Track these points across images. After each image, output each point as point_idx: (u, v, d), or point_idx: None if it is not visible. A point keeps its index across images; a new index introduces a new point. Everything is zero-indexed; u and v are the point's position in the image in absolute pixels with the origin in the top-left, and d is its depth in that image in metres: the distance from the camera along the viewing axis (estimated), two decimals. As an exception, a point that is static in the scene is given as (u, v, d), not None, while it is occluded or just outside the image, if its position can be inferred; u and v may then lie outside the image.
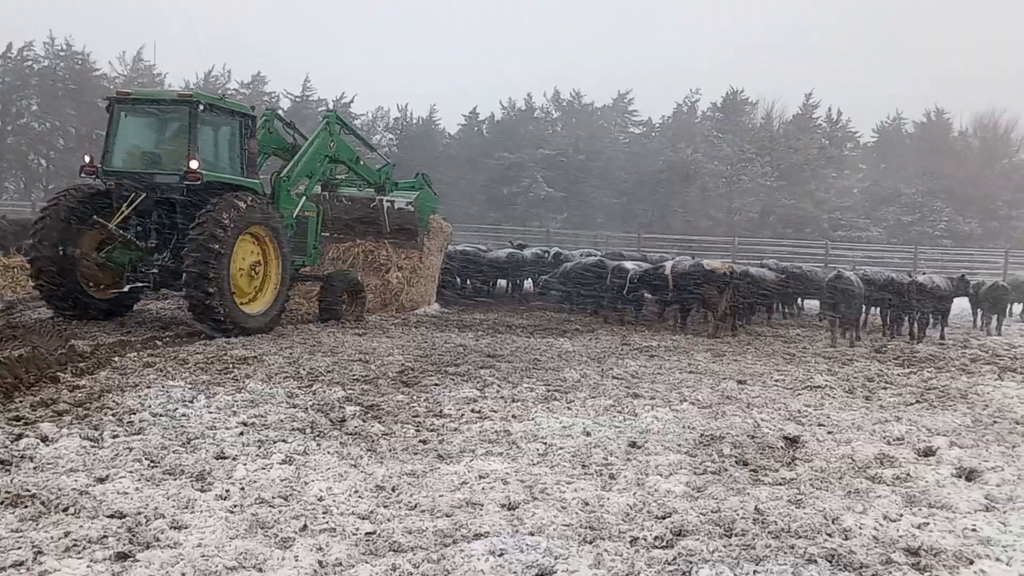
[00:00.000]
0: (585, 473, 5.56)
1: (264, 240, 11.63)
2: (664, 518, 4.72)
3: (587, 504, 4.89)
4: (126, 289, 11.69)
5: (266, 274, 11.75)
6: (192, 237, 10.63)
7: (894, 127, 54.04)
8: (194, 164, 10.90)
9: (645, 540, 4.37)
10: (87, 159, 11.56)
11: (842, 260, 32.30)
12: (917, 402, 8.57)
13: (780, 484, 5.49)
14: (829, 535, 4.51)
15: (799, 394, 8.75)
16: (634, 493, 5.15)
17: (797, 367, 10.59)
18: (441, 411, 7.16)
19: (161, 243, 11.45)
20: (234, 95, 48.47)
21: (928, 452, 6.46)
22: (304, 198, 13.42)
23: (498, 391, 8.09)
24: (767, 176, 46.69)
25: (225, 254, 10.71)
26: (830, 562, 4.14)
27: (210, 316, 10.72)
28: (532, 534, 4.38)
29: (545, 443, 6.23)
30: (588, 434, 6.55)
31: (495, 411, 7.23)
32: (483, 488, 5.09)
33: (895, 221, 46.42)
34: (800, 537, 4.46)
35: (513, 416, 7.06)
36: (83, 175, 11.70)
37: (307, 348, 10.11)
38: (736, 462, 5.99)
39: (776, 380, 9.52)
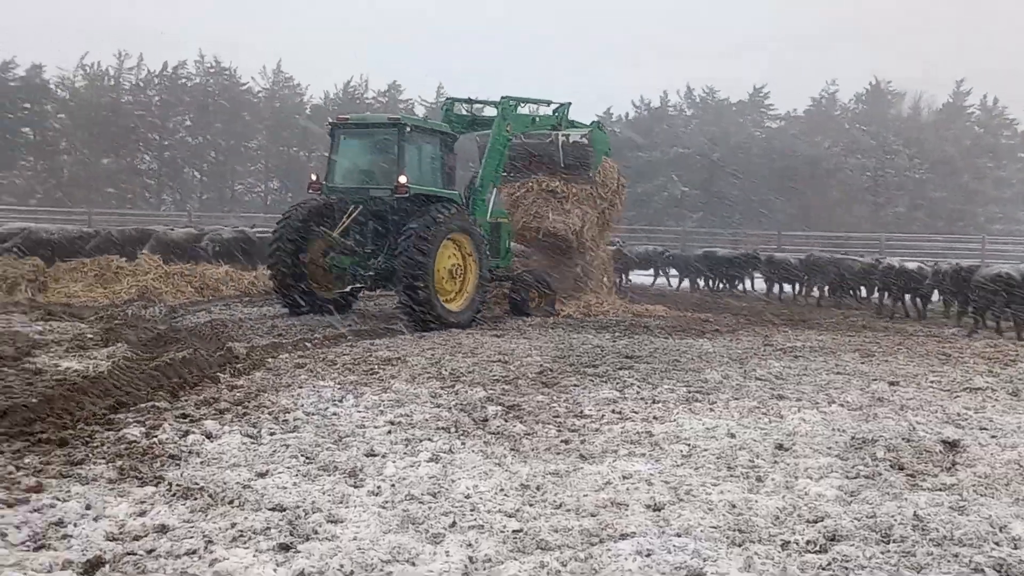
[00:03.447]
0: (731, 475, 5.45)
1: (463, 245, 12.89)
2: (816, 522, 4.57)
3: (734, 506, 4.80)
4: (348, 289, 13.76)
5: (465, 275, 13.01)
6: (402, 243, 12.07)
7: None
8: (403, 179, 12.37)
9: (797, 544, 4.25)
10: (313, 177, 13.52)
11: (1001, 256, 30.37)
12: (1091, 405, 7.99)
13: (940, 490, 5.22)
14: (996, 544, 4.27)
15: (957, 396, 8.29)
16: (783, 496, 5.01)
17: (954, 368, 10.04)
18: (581, 412, 7.17)
19: (376, 249, 13.16)
20: (372, 104, 50.08)
21: (1106, 458, 6.01)
22: (492, 202, 14.52)
23: (638, 392, 8.03)
24: (915, 169, 44.51)
25: (430, 258, 12.02)
26: (998, 572, 3.91)
27: (418, 312, 12.13)
28: (679, 535, 4.33)
29: (688, 444, 6.14)
30: (732, 436, 6.42)
31: (636, 412, 7.18)
32: (627, 488, 5.07)
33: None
34: (964, 545, 4.24)
35: (654, 417, 7.00)
36: (310, 191, 13.60)
37: (448, 349, 10.33)
38: (891, 466, 5.74)
39: (931, 381, 9.06)
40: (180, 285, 15.83)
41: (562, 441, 6.20)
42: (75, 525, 4.16)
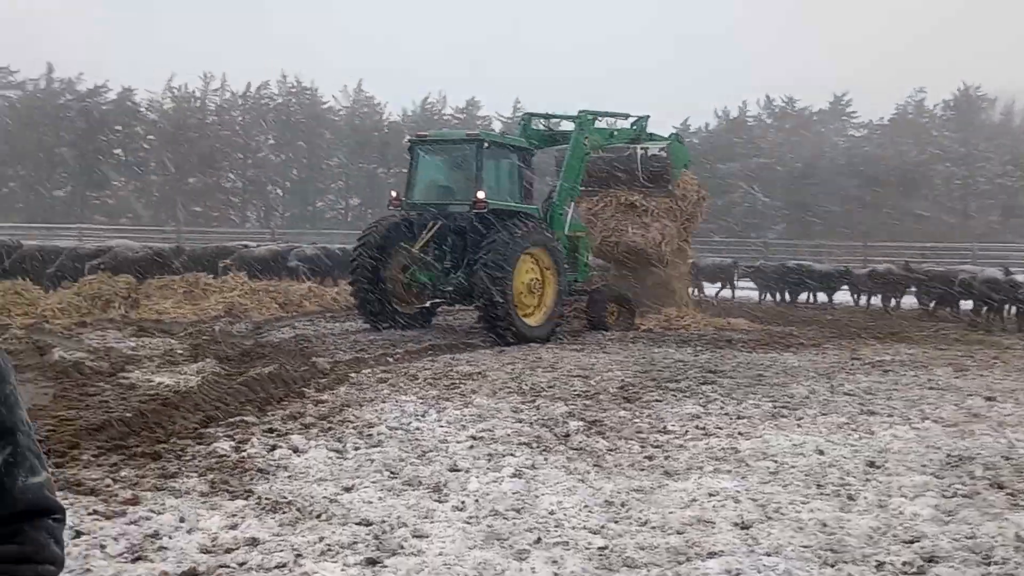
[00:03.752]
0: (821, 493, 5.31)
1: (541, 259, 12.88)
2: (912, 543, 4.41)
3: (826, 525, 4.67)
4: (427, 304, 13.82)
5: (544, 290, 12.97)
6: (481, 258, 12.09)
7: None
8: (481, 194, 12.44)
9: (892, 565, 4.11)
10: (393, 194, 13.68)
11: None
12: None
13: (1045, 510, 4.99)
14: (1110, 568, 4.05)
15: (1060, 412, 7.93)
16: (876, 515, 4.85)
17: (1055, 382, 9.62)
18: (664, 427, 7.08)
19: (455, 264, 13.20)
20: (450, 120, 50.65)
21: None
22: (570, 217, 14.35)
23: (722, 407, 7.89)
24: (1009, 176, 42.89)
25: (509, 273, 12.03)
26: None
27: (497, 327, 12.16)
28: (768, 554, 4.23)
29: (775, 461, 6.00)
30: (821, 452, 6.25)
31: (720, 428, 7.06)
32: (714, 506, 4.98)
33: None
34: (1074, 569, 4.04)
35: (739, 433, 6.87)
36: (390, 208, 13.81)
37: (528, 364, 10.32)
38: (990, 485, 5.51)
39: (1032, 396, 8.69)
40: (265, 301, 16.18)
41: (645, 457, 6.13)
42: (170, 537, 4.28)
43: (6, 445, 1.35)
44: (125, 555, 4.07)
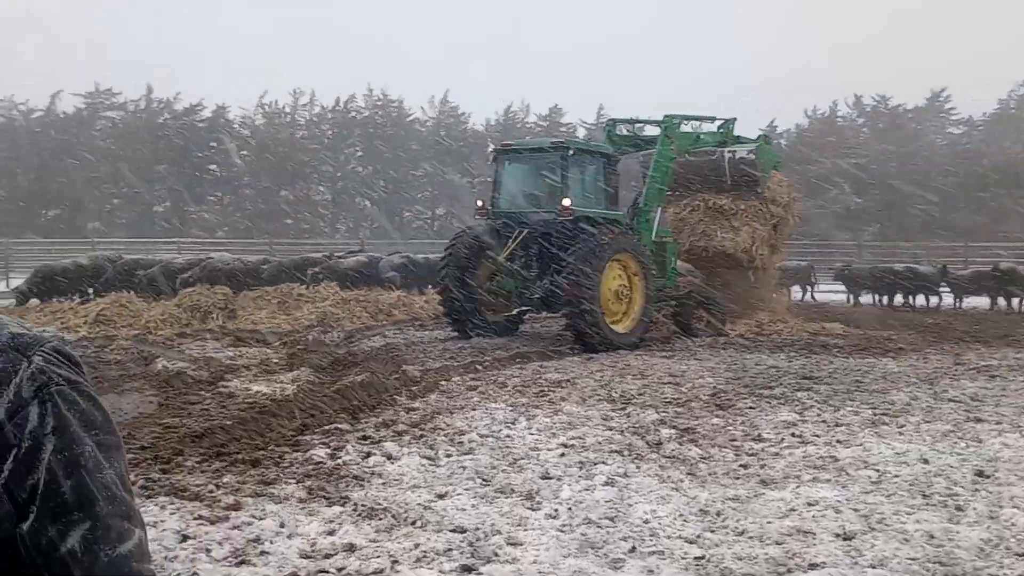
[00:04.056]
0: (927, 504, 5.11)
1: (628, 265, 12.82)
2: (1028, 556, 4.21)
3: (933, 537, 4.49)
4: (514, 312, 13.94)
5: (632, 296, 12.90)
6: (567, 265, 12.09)
7: None
8: (567, 202, 12.47)
9: (1007, 580, 3.93)
10: (479, 203, 14.01)
11: None
12: None
13: None
14: None
15: None
16: (987, 527, 4.65)
17: None
18: (759, 435, 6.93)
19: (541, 272, 13.17)
20: (533, 129, 50.82)
21: None
22: (656, 222, 14.30)
23: (819, 415, 7.69)
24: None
25: (596, 279, 12.00)
26: None
27: (585, 334, 12.06)
28: (873, 567, 4.10)
29: (877, 470, 5.81)
30: (926, 461, 6.02)
31: (818, 435, 6.87)
32: (813, 516, 4.84)
33: None
34: None
35: (838, 441, 6.67)
36: (476, 217, 14.09)
37: (617, 371, 10.25)
38: (1111, 496, 5.23)
39: None
40: (356, 311, 16.48)
41: (740, 466, 6.01)
42: (271, 542, 4.37)
43: (85, 519, 1.10)
44: (229, 559, 4.18)
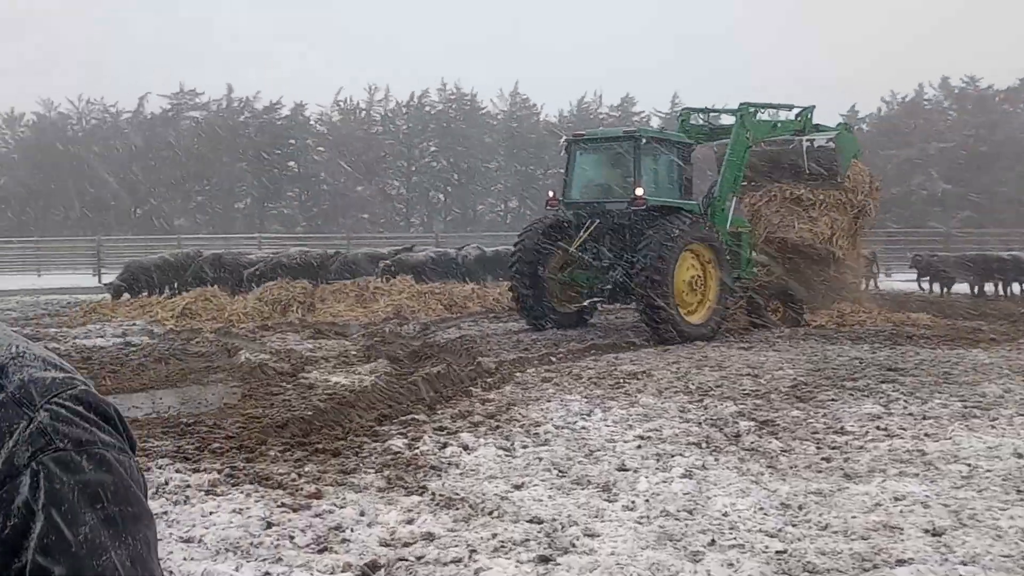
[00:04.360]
0: (1021, 499, 4.92)
1: (703, 255, 12.58)
2: None
3: (1028, 534, 4.33)
4: (586, 303, 13.72)
5: (706, 287, 12.68)
6: (640, 255, 11.90)
7: None
8: (640, 191, 12.29)
9: (1110, 580, 3.76)
10: (551, 194, 13.77)
11: None
12: None
13: None
14: None
15: None
16: (1087, 525, 4.46)
17: None
18: (842, 428, 6.76)
19: (614, 262, 12.97)
20: (605, 119, 50.52)
21: None
22: (731, 211, 14.00)
23: (905, 407, 7.46)
24: None
25: (669, 270, 11.81)
26: None
27: (658, 326, 11.90)
28: (964, 563, 3.96)
29: (968, 465, 5.62)
30: (1020, 456, 5.79)
31: (904, 429, 6.67)
32: (900, 511, 4.71)
33: None
34: None
35: (926, 434, 6.47)
36: (547, 208, 13.87)
37: (694, 363, 10.12)
38: None
39: None
40: (431, 303, 16.63)
41: (823, 459, 5.88)
42: (352, 530, 4.45)
43: None
44: (312, 546, 4.27)
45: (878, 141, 45.24)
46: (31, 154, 51.09)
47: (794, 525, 4.55)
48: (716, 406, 7.58)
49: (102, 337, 12.75)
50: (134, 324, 14.19)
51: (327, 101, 53.45)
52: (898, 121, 47.03)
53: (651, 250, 11.83)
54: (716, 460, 5.85)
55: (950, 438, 6.30)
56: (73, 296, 22.41)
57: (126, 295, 18.19)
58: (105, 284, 19.84)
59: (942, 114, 47.99)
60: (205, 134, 50.69)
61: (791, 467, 5.69)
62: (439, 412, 7.49)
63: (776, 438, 6.44)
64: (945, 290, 21.22)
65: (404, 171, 52.69)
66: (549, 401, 7.84)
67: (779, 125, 15.19)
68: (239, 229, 46.37)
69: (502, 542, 4.30)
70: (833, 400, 7.86)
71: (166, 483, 5.24)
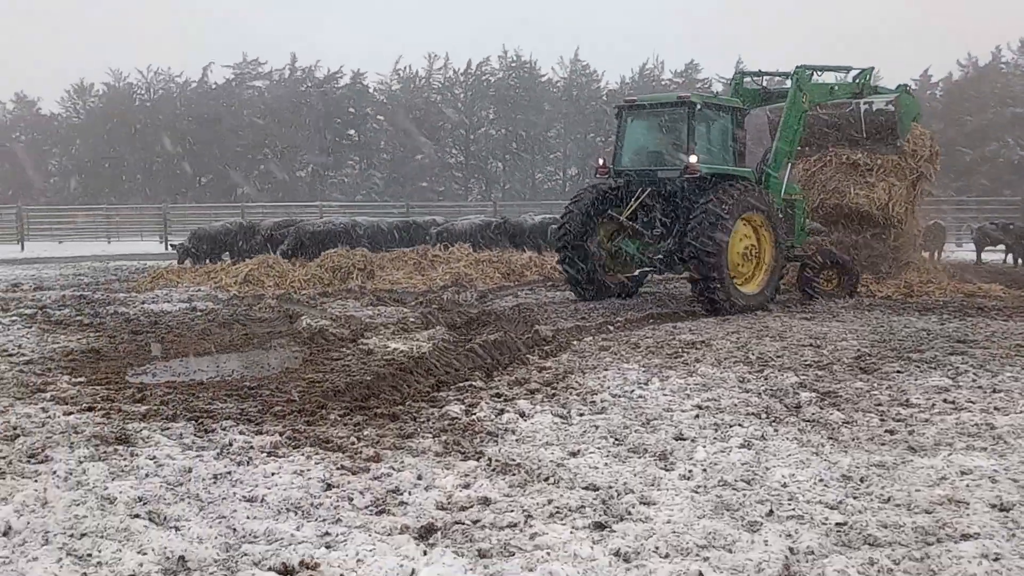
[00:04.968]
0: (1095, 476, 4.77)
1: (757, 223, 12.27)
2: None
3: (1103, 512, 4.19)
4: (636, 273, 13.54)
5: (760, 256, 12.42)
6: (694, 225, 11.60)
7: None
8: (693, 159, 11.95)
9: None
10: (600, 161, 13.40)
11: None
12: None
13: None
14: None
15: None
16: None
17: None
18: (907, 400, 6.61)
19: (664, 232, 12.73)
20: (668, 85, 49.79)
21: None
22: (786, 180, 13.61)
23: (974, 380, 7.27)
24: None
25: (724, 239, 11.54)
26: None
27: (711, 296, 11.64)
28: (1033, 540, 3.85)
29: (1039, 439, 5.45)
30: (1094, 431, 5.61)
31: (972, 402, 6.50)
32: (967, 485, 4.59)
33: None
34: None
35: (996, 408, 6.29)
36: (597, 176, 13.56)
37: (754, 333, 9.99)
38: None
39: None
40: (488, 271, 16.67)
41: (886, 431, 5.76)
42: (409, 493, 4.50)
43: None
44: (370, 508, 4.33)
45: (950, 106, 43.84)
46: (100, 124, 52.37)
47: (855, 497, 4.47)
48: (776, 376, 7.47)
49: (168, 302, 13.06)
50: (199, 290, 14.50)
51: (386, 70, 53.53)
52: (970, 86, 45.41)
53: (705, 219, 11.52)
54: (775, 431, 5.77)
55: (1021, 412, 6.12)
56: (141, 262, 23.01)
57: (187, 262, 18.61)
58: (174, 245, 20.29)
59: (1020, 77, 46.20)
60: (267, 104, 51.33)
61: (853, 439, 5.59)
62: (496, 379, 7.52)
63: (838, 409, 6.32)
64: (1020, 261, 20.57)
65: (462, 140, 52.71)
66: (606, 370, 7.82)
67: (836, 88, 14.70)
68: (301, 197, 46.97)
69: (557, 508, 4.30)
70: (899, 372, 7.69)
71: (230, 444, 5.36)
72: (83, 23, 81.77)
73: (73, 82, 54.20)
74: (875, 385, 7.15)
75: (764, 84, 15.00)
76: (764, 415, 6.21)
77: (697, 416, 6.16)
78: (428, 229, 20.06)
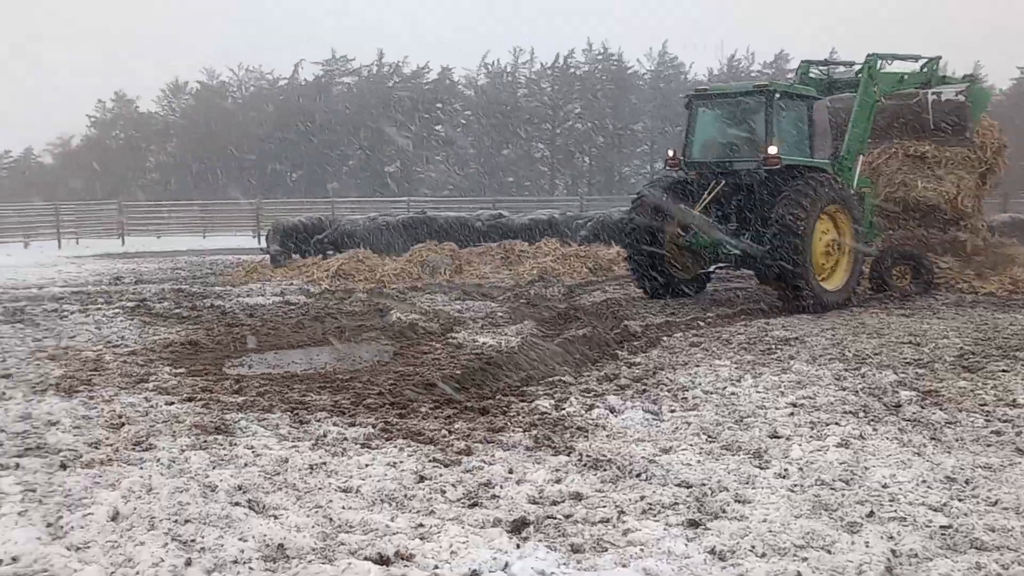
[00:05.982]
0: None
1: (837, 218, 11.86)
2: None
3: None
4: (711, 269, 13.09)
5: (841, 251, 11.98)
6: (775, 218, 11.18)
7: None
8: (773, 149, 11.48)
9: None
10: (671, 153, 12.80)
11: None
12: None
13: None
14: None
15: None
16: None
17: None
18: (1014, 400, 6.34)
19: (741, 226, 12.24)
20: (758, 76, 48.84)
21: None
22: (857, 174, 13.07)
23: (1086, 380, 6.94)
24: None
25: (807, 233, 11.11)
26: None
27: (793, 293, 11.23)
28: None
29: None
30: None
31: (1085, 403, 6.21)
32: (1081, 490, 4.40)
33: None
34: None
35: (1111, 409, 6.00)
36: (667, 168, 12.94)
37: (850, 329, 9.73)
38: None
39: None
40: (575, 266, 16.64)
41: (992, 432, 5.54)
42: (501, 487, 4.53)
43: None
44: (463, 500, 4.38)
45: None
46: (195, 121, 54.12)
47: (960, 500, 4.32)
48: (874, 375, 7.27)
49: (262, 296, 13.44)
50: (291, 284, 14.87)
51: (473, 64, 53.90)
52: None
53: (788, 211, 11.07)
54: (874, 430, 5.61)
55: None
56: (236, 256, 23.71)
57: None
58: (264, 249, 20.67)
59: None
60: (356, 99, 52.24)
61: (957, 440, 5.40)
62: (585, 374, 7.51)
63: (940, 409, 6.12)
64: None
65: (548, 134, 52.71)
66: (697, 366, 7.73)
67: (906, 78, 14.09)
68: (389, 192, 47.69)
69: (650, 504, 4.28)
70: (1004, 371, 7.39)
71: (324, 435, 5.48)
72: (177, 22, 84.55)
73: (168, 80, 56.22)
74: (979, 384, 6.89)
75: (829, 73, 14.47)
76: (862, 414, 6.05)
77: (792, 414, 6.04)
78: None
